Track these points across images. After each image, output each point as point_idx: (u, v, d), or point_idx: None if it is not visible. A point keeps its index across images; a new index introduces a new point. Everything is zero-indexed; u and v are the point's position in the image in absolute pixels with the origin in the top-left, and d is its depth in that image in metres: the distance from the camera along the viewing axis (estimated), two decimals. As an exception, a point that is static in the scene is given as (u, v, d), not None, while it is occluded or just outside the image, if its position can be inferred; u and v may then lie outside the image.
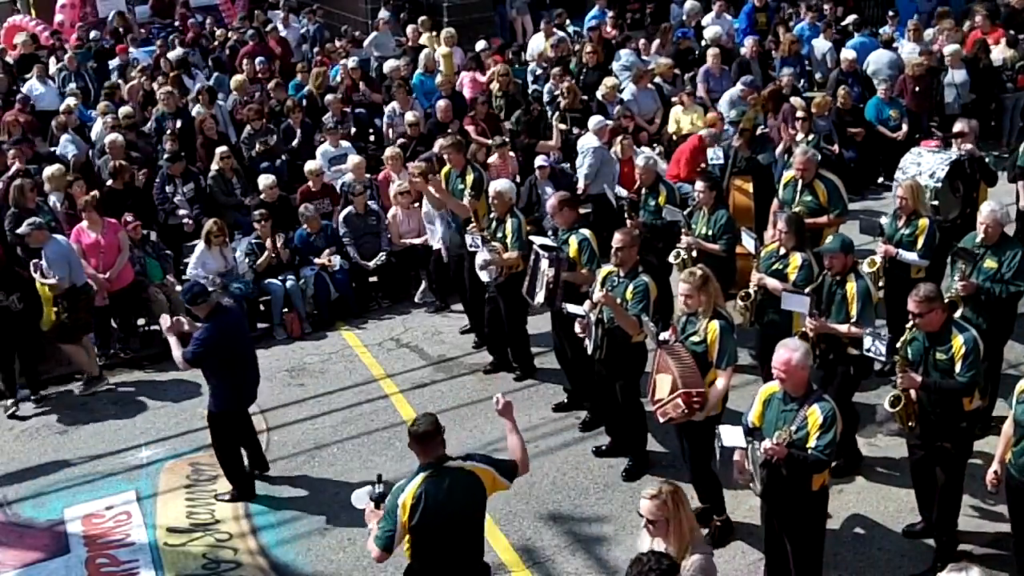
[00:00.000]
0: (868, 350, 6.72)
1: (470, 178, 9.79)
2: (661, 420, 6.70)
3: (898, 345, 6.58)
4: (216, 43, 17.45)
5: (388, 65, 15.08)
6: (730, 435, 5.98)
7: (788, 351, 5.83)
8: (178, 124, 12.96)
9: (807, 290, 7.47)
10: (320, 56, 16.36)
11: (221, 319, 7.64)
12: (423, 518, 5.21)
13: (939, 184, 9.36)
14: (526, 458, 5.60)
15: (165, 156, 11.88)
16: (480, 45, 15.85)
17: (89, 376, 9.81)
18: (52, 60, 16.32)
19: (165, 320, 7.80)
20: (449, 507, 5.25)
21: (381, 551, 5.29)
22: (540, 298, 8.34)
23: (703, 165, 11.27)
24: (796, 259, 7.79)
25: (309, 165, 11.87)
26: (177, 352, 7.59)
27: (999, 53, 14.41)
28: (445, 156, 10.10)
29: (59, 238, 9.72)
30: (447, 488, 5.25)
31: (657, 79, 14.33)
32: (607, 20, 17.01)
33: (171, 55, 16.17)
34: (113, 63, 16.45)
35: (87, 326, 9.83)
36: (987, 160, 9.91)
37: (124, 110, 13.32)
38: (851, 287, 7.22)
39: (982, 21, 15.15)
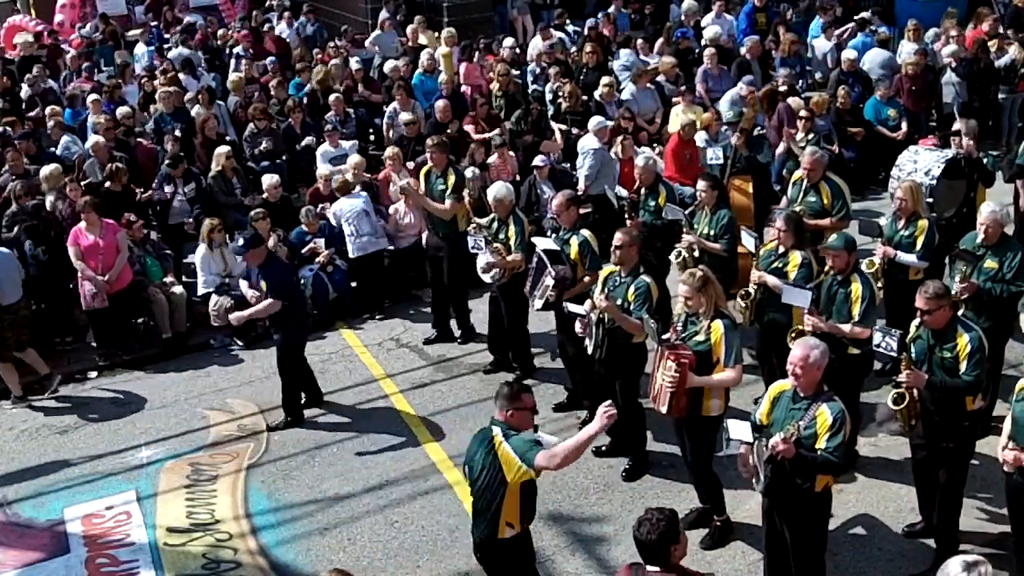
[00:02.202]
0: (878, 346, 6.67)
1: (451, 179, 9.78)
2: (663, 410, 6.69)
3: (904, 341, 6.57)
4: (219, 43, 17.45)
5: (388, 65, 15.09)
6: (737, 428, 5.97)
7: (807, 348, 5.80)
8: (176, 126, 12.96)
9: (810, 285, 7.46)
10: (321, 56, 16.35)
11: (279, 258, 8.94)
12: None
13: (934, 182, 9.36)
14: (557, 460, 5.40)
15: (167, 158, 11.83)
16: (507, 42, 15.84)
17: (40, 380, 9.71)
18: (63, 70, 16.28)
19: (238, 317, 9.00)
20: (473, 458, 5.69)
21: None
22: (538, 305, 8.38)
23: (694, 160, 11.35)
24: (796, 257, 7.79)
25: (320, 170, 11.83)
26: (262, 305, 8.66)
27: (1009, 54, 14.38)
28: (429, 155, 10.10)
29: (3, 250, 9.63)
30: (478, 441, 5.69)
31: (660, 77, 14.34)
32: (602, 19, 17.03)
33: (171, 55, 16.15)
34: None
35: (19, 345, 9.53)
36: (985, 160, 9.90)
37: (122, 110, 13.34)
38: (855, 287, 7.21)
39: (992, 25, 15.13)
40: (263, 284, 8.74)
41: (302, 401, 9.07)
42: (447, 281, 10.01)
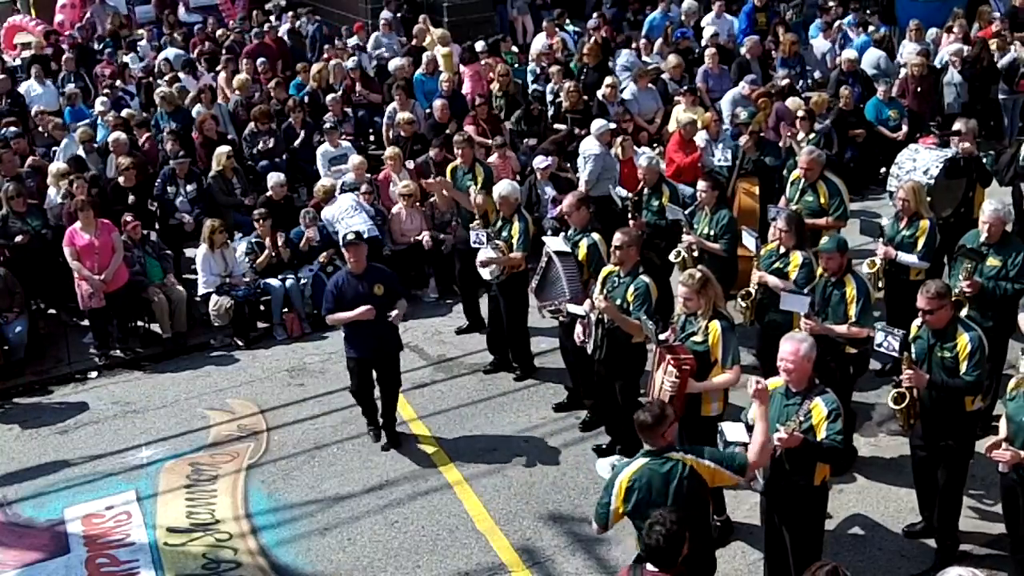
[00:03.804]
0: (880, 345, 6.66)
1: (480, 174, 9.83)
2: None
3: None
4: (217, 43, 17.46)
5: (393, 64, 15.10)
6: (733, 431, 5.98)
7: (795, 342, 5.84)
8: (175, 126, 12.96)
9: (807, 289, 7.46)
10: (332, 52, 16.29)
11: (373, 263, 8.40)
12: (636, 504, 5.34)
13: (932, 181, 9.36)
14: (764, 454, 5.52)
15: (178, 156, 11.80)
16: (480, 45, 15.84)
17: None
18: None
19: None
20: (661, 497, 5.32)
21: (598, 526, 5.53)
22: (545, 316, 8.37)
23: (694, 159, 11.37)
24: (797, 257, 7.80)
25: (323, 182, 11.82)
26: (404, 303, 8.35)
27: (1010, 54, 14.36)
28: (456, 150, 10.15)
29: None
30: (663, 477, 5.34)
31: (665, 76, 14.34)
32: (598, 19, 17.03)
33: (170, 55, 16.15)
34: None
35: None
36: (984, 161, 9.90)
37: (127, 111, 13.37)
38: (850, 289, 7.22)
39: (1001, 25, 15.11)
40: (375, 288, 8.05)
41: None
42: (468, 277, 9.99)
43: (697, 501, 5.38)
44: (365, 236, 10.67)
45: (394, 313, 8.08)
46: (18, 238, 10.47)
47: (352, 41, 16.73)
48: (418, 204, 11.30)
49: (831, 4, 16.97)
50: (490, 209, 9.53)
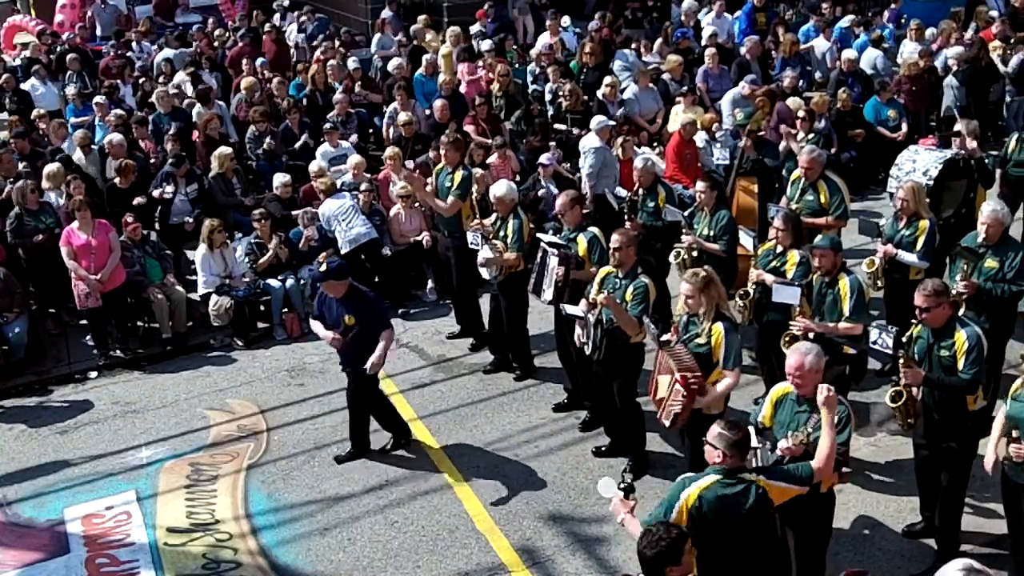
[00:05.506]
0: (875, 343, 6.66)
1: (458, 176, 9.76)
2: (667, 423, 6.68)
3: (904, 339, 6.56)
4: (217, 43, 17.48)
5: (392, 63, 15.10)
6: None
7: (800, 355, 5.82)
8: (175, 126, 12.95)
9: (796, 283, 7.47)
10: (332, 49, 16.28)
11: (363, 290, 7.95)
12: (702, 523, 5.13)
13: (931, 182, 9.37)
14: (830, 462, 5.46)
15: (170, 160, 11.80)
16: (485, 45, 15.83)
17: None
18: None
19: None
20: (731, 518, 5.17)
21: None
22: (548, 295, 8.33)
23: (694, 159, 11.34)
24: (794, 256, 7.81)
25: (312, 167, 11.86)
26: (384, 343, 7.77)
27: (1017, 57, 14.35)
28: (443, 152, 10.10)
29: None
30: (734, 499, 5.18)
31: (666, 76, 14.35)
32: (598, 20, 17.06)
33: (168, 55, 16.16)
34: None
35: None
36: (986, 162, 9.90)
37: (118, 112, 13.38)
38: (843, 284, 7.25)
39: (1001, 28, 15.11)
40: (346, 318, 7.73)
41: (371, 430, 8.42)
42: (455, 282, 10.00)
43: (763, 522, 5.30)
44: (365, 240, 10.74)
45: (369, 363, 7.72)
46: (37, 237, 10.48)
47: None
48: (416, 204, 11.29)
49: (824, 5, 17.00)
50: (465, 214, 9.52)
